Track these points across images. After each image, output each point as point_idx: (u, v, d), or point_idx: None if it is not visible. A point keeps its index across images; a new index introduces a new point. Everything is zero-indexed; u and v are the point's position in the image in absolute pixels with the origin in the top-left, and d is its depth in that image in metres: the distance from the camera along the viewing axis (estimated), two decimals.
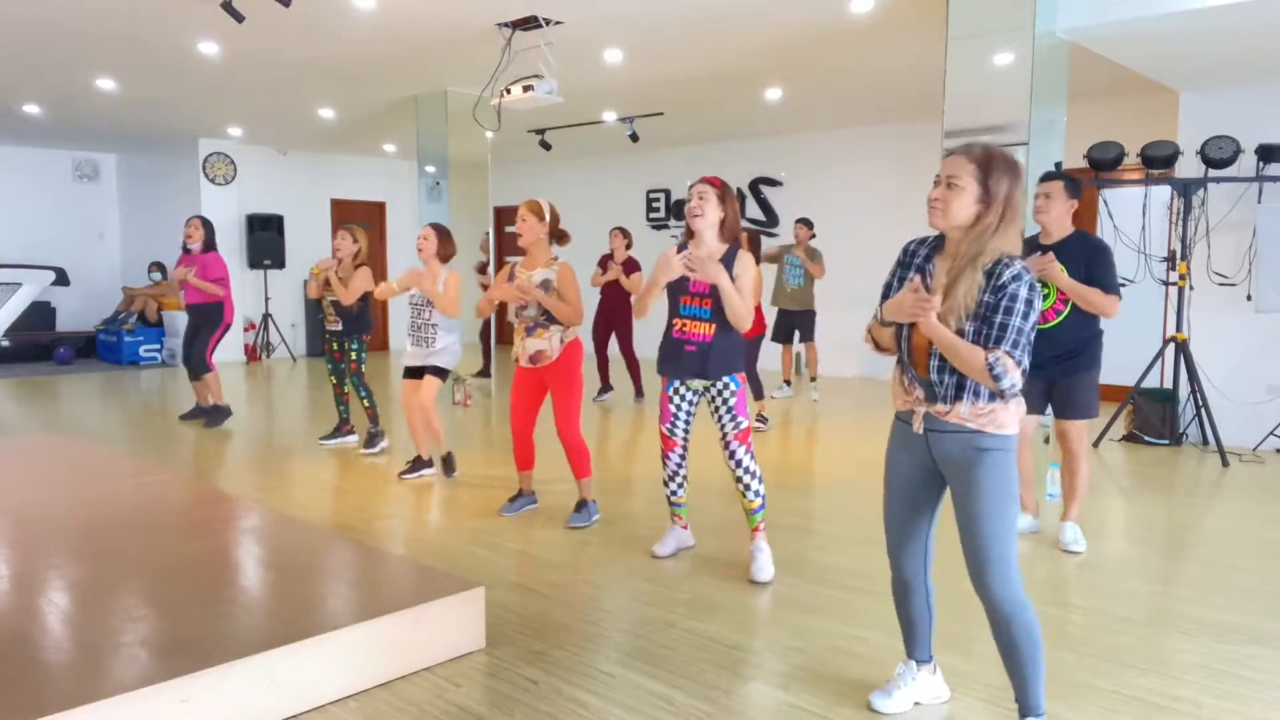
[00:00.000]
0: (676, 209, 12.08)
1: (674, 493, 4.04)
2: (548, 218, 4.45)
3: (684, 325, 3.75)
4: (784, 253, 8.65)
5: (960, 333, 2.29)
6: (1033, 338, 2.28)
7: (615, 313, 8.31)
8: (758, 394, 7.22)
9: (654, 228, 12.19)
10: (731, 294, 3.62)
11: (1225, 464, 6.09)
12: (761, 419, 7.26)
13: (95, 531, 3.83)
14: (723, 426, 3.78)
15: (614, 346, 8.49)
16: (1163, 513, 4.94)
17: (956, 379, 2.33)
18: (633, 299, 8.12)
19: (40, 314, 11.82)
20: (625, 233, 8.28)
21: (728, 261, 3.69)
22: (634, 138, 10.17)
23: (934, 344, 2.32)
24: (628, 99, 8.86)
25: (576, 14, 6.07)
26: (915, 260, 2.47)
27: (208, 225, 7.28)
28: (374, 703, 2.72)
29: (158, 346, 11.81)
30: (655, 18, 6.10)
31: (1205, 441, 6.54)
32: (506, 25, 6.31)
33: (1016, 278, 2.25)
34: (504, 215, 14.14)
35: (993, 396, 2.31)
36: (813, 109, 9.34)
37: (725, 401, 3.75)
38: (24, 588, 3.14)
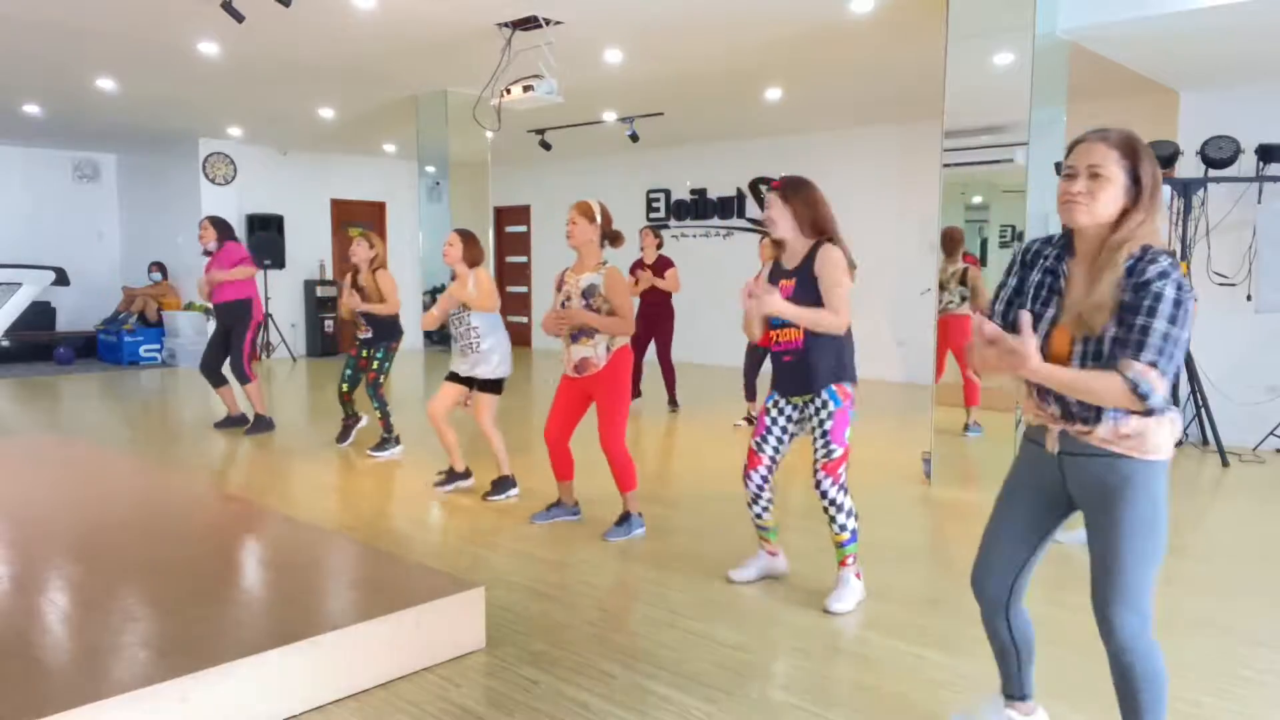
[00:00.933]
0: (677, 209, 12.07)
1: (759, 515, 3.71)
2: (598, 219, 4.31)
3: (775, 336, 3.51)
4: None
5: (1100, 339, 1.99)
6: (1182, 348, 1.93)
7: (656, 319, 7.99)
8: (750, 395, 7.22)
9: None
10: (801, 317, 3.34)
11: (1225, 464, 6.09)
12: (749, 419, 7.26)
13: (95, 531, 3.83)
14: (815, 450, 3.48)
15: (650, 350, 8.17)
16: None
17: None
18: (672, 296, 7.96)
19: (40, 314, 11.80)
20: (656, 232, 8.04)
21: (808, 260, 3.42)
22: (634, 138, 10.17)
23: (1058, 379, 1.97)
24: (628, 99, 8.86)
25: (576, 14, 6.07)
26: (1042, 262, 2.13)
27: (218, 223, 7.12)
28: (374, 703, 2.72)
29: (158, 346, 11.80)
30: (655, 18, 6.10)
31: (1205, 441, 6.54)
32: (506, 25, 6.31)
33: (1163, 275, 1.91)
34: (504, 215, 14.18)
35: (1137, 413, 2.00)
36: (813, 109, 9.33)
37: (821, 423, 3.44)
38: (24, 588, 3.14)
